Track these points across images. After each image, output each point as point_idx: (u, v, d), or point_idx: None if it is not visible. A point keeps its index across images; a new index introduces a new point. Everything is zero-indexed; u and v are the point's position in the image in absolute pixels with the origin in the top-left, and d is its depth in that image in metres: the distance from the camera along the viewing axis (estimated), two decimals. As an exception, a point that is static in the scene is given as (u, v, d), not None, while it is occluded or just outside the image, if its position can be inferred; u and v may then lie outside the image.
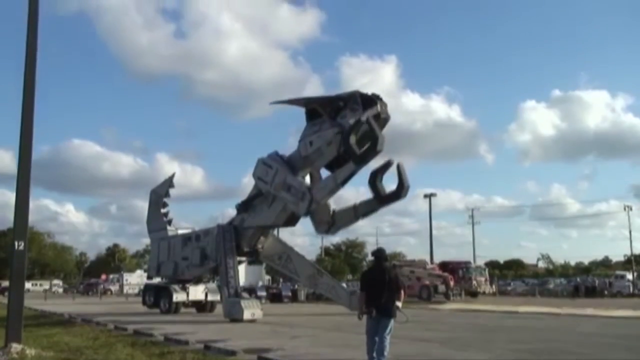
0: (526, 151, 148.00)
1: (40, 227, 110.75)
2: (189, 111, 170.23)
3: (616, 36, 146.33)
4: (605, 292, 51.85)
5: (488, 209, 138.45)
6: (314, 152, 23.70)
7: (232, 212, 27.56)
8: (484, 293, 49.46)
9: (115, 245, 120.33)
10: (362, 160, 22.20)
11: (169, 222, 31.51)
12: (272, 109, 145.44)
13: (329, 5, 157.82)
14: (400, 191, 22.60)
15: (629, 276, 62.18)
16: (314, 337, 17.34)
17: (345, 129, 22.27)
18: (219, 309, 27.15)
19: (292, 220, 25.56)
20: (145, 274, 44.99)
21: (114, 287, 72.46)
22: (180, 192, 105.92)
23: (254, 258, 29.44)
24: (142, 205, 34.58)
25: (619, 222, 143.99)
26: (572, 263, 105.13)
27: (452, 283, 43.97)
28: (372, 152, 21.93)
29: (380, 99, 22.96)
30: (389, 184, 23.20)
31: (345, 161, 22.61)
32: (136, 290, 58.85)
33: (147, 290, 32.42)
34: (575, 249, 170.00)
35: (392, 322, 9.76)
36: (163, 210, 31.68)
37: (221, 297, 26.20)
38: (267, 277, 60.14)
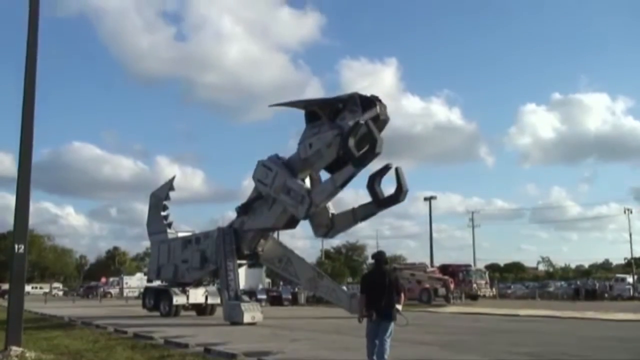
0: (526, 154, 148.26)
1: (41, 230, 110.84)
2: (189, 114, 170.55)
3: (616, 39, 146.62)
4: (606, 295, 51.83)
5: (488, 211, 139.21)
6: (313, 154, 23.69)
7: (232, 214, 27.59)
8: (484, 296, 49.40)
9: (116, 248, 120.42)
10: (361, 162, 22.20)
11: (169, 225, 31.48)
12: (272, 112, 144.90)
13: (329, 9, 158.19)
14: (399, 195, 22.60)
15: (630, 279, 62.03)
16: (314, 340, 17.32)
17: (344, 130, 22.26)
18: (219, 312, 27.13)
19: (292, 223, 25.56)
20: (145, 277, 44.97)
21: (114, 290, 72.48)
22: (180, 195, 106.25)
23: (254, 261, 29.43)
24: (143, 208, 34.64)
25: (619, 225, 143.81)
26: (573, 266, 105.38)
27: (452, 286, 43.88)
28: (371, 154, 21.93)
29: (380, 101, 22.94)
30: (388, 187, 23.23)
31: (345, 163, 22.61)
32: (136, 293, 58.79)
33: (147, 293, 32.39)
34: (576, 251, 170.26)
35: (392, 325, 9.76)
36: (163, 213, 31.66)
37: (221, 300, 26.18)
38: (268, 280, 60.16)
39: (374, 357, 9.63)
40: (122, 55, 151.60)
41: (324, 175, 24.61)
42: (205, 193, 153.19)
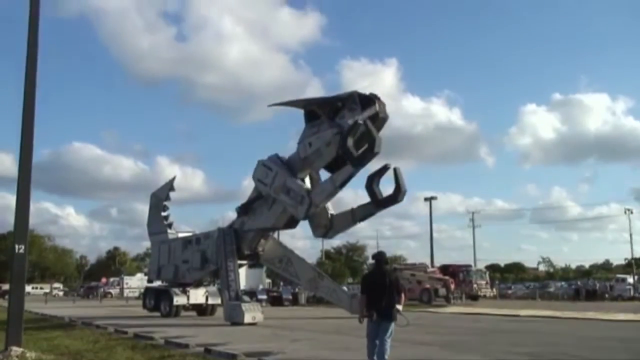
0: (527, 154, 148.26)
1: (41, 230, 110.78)
2: (189, 114, 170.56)
3: (616, 39, 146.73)
4: (606, 296, 51.82)
5: (489, 212, 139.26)
6: (313, 153, 23.70)
7: (232, 215, 27.60)
8: (484, 296, 49.41)
9: (116, 249, 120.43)
10: (360, 162, 22.22)
11: (170, 226, 31.49)
12: (272, 112, 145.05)
13: (329, 9, 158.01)
14: (398, 195, 22.63)
15: (630, 279, 62.05)
16: (314, 341, 17.32)
17: (343, 129, 22.27)
18: (219, 312, 27.13)
19: (292, 223, 25.56)
20: (146, 277, 45.00)
21: (115, 291, 72.47)
22: (180, 195, 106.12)
23: (254, 261, 29.44)
24: (143, 209, 34.69)
25: (619, 225, 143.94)
26: (573, 266, 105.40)
27: (452, 286, 43.89)
28: (370, 154, 21.94)
29: (379, 99, 22.93)
30: (387, 187, 23.25)
31: (344, 162, 22.63)
32: (137, 294, 58.80)
33: (147, 293, 32.40)
34: (576, 252, 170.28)
35: (392, 326, 9.76)
36: (163, 214, 31.67)
37: (222, 300, 26.19)
38: (268, 281, 60.17)
39: (375, 358, 9.63)
40: (123, 56, 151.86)
41: (324, 175, 24.65)
42: (205, 193, 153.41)
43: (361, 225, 26.20)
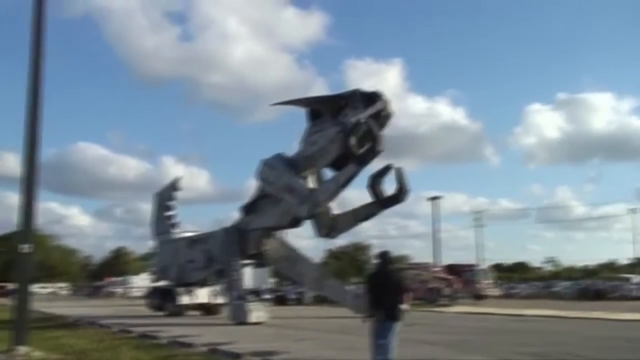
0: (531, 154, 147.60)
1: (46, 230, 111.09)
2: (194, 114, 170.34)
3: (621, 38, 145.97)
4: (612, 295, 51.61)
5: (493, 211, 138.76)
6: (316, 151, 23.70)
7: (237, 214, 27.60)
8: (489, 296, 49.32)
9: (121, 248, 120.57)
10: (363, 161, 22.22)
11: (175, 225, 31.58)
12: (277, 112, 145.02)
13: (334, 8, 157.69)
14: (400, 195, 22.58)
15: (636, 279, 61.81)
16: (319, 340, 17.34)
17: (347, 127, 22.25)
18: (224, 311, 27.17)
19: (296, 222, 25.52)
20: (151, 277, 45.07)
21: (120, 290, 72.59)
22: (185, 195, 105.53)
23: (259, 260, 29.45)
24: (148, 208, 34.72)
25: (625, 225, 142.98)
26: (578, 266, 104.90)
27: (457, 286, 43.85)
28: (373, 152, 21.93)
29: (382, 96, 22.90)
30: (389, 188, 23.21)
31: (348, 160, 22.62)
32: (142, 293, 58.90)
33: (152, 293, 32.51)
34: (581, 251, 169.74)
35: (397, 325, 9.74)
36: (168, 213, 31.76)
37: (227, 299, 26.23)
38: (273, 280, 60.12)
39: (379, 357, 9.62)
40: (127, 56, 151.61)
41: (328, 174, 24.65)
42: (210, 193, 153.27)
43: (366, 225, 26.27)
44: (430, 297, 42.85)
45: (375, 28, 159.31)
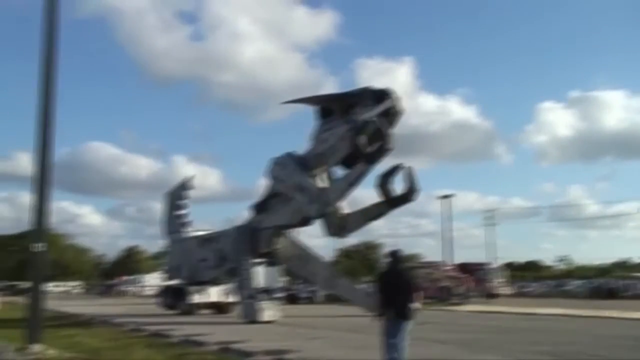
0: (544, 152, 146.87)
1: (60, 229, 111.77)
2: (205, 114, 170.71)
3: (634, 36, 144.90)
4: (625, 294, 51.31)
5: (505, 210, 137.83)
6: (327, 149, 23.69)
7: (248, 213, 27.63)
8: (502, 295, 49.17)
9: (133, 247, 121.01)
10: (373, 159, 22.20)
11: (187, 224, 31.68)
12: (288, 111, 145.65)
13: (345, 7, 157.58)
14: (410, 194, 22.52)
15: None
16: (331, 339, 17.36)
17: (357, 124, 22.23)
18: (235, 310, 27.24)
19: (307, 221, 25.47)
20: (163, 276, 45.23)
21: (132, 289, 72.93)
22: (197, 194, 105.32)
23: (271, 259, 29.49)
24: (160, 207, 34.79)
25: (638, 223, 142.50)
26: (591, 264, 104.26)
27: (469, 285, 43.74)
28: (382, 150, 21.91)
29: (393, 93, 22.85)
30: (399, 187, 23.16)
31: (358, 158, 22.61)
32: (153, 292, 59.15)
33: (165, 291, 32.64)
34: (594, 250, 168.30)
35: (409, 324, 9.75)
36: (180, 212, 31.87)
37: (239, 298, 26.30)
38: (285, 279, 60.21)
39: (390, 356, 9.63)
40: (139, 56, 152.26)
41: (338, 171, 24.65)
42: (222, 192, 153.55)
43: (377, 223, 26.25)
44: (442, 296, 42.79)
45: (386, 27, 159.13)
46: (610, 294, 50.91)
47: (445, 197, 70.33)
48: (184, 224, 31.65)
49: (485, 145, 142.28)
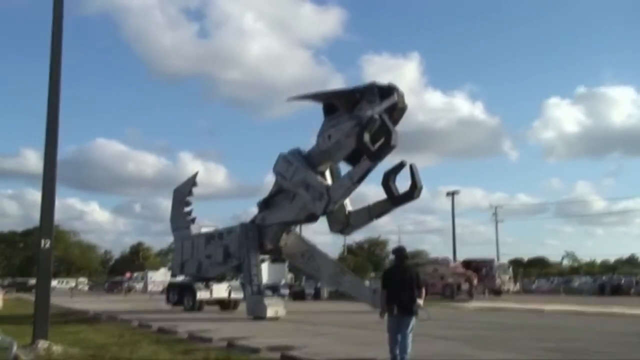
0: (550, 148, 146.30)
1: (66, 226, 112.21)
2: (212, 110, 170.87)
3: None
4: (632, 291, 51.19)
5: (512, 206, 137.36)
6: (332, 145, 23.71)
7: (254, 210, 27.71)
8: (508, 291, 49.11)
9: (140, 244, 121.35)
10: (378, 156, 22.20)
11: (193, 221, 31.72)
12: (294, 108, 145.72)
13: (351, 4, 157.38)
14: (413, 191, 22.53)
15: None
16: (337, 335, 17.38)
17: (362, 121, 22.22)
18: (242, 306, 27.30)
19: (313, 217, 25.46)
20: (169, 272, 45.35)
21: (139, 285, 73.14)
22: (203, 191, 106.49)
23: (276, 256, 29.57)
24: (166, 204, 34.92)
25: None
26: (598, 261, 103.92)
27: (475, 281, 43.70)
28: (387, 147, 21.90)
29: (397, 89, 22.83)
30: (404, 183, 23.18)
31: (363, 155, 22.62)
32: (160, 288, 59.29)
33: (171, 288, 32.70)
34: (601, 246, 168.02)
35: (413, 320, 9.77)
36: (186, 209, 31.92)
37: (244, 295, 26.35)
38: (290, 275, 60.29)
39: (397, 352, 9.66)
40: (145, 53, 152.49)
41: (344, 168, 24.67)
42: (228, 189, 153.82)
43: (383, 220, 26.31)
44: (448, 292, 42.79)
45: (392, 23, 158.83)
46: (616, 290, 50.79)
47: (452, 193, 70.25)
48: (191, 221, 31.69)
49: (491, 141, 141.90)
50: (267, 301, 23.78)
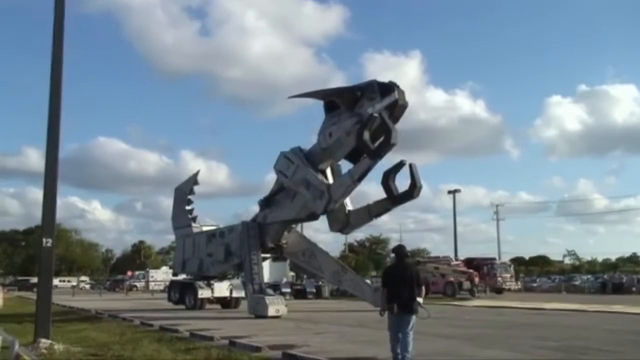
0: (552, 146, 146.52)
1: (68, 224, 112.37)
2: (213, 109, 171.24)
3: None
4: (633, 289, 51.16)
5: (513, 205, 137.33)
6: (333, 143, 23.72)
7: (256, 209, 27.72)
8: (509, 290, 49.04)
9: (141, 242, 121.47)
10: (378, 154, 22.22)
11: (194, 219, 31.74)
12: (296, 106, 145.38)
13: (353, 2, 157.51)
14: (413, 191, 22.54)
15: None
16: (338, 334, 17.37)
17: (363, 118, 22.21)
18: (243, 305, 27.31)
19: (314, 215, 25.50)
20: (171, 271, 45.42)
21: (140, 284, 73.25)
22: (204, 189, 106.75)
23: (278, 254, 29.57)
24: (168, 202, 34.99)
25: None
26: (599, 259, 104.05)
27: (477, 280, 43.67)
28: (387, 145, 21.91)
29: (397, 86, 22.81)
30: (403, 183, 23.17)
31: (363, 152, 22.62)
32: (162, 287, 59.39)
33: (172, 286, 32.73)
34: (602, 245, 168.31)
35: (414, 318, 9.78)
36: (188, 207, 31.92)
37: (246, 293, 26.35)
38: (291, 274, 60.30)
39: (398, 351, 9.66)
40: (147, 51, 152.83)
41: (345, 166, 24.67)
42: (229, 187, 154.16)
43: (384, 219, 26.34)
44: (450, 291, 42.76)
45: (393, 21, 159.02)
46: (617, 288, 50.73)
47: (453, 191, 70.28)
48: (192, 219, 31.70)
49: (493, 139, 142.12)
50: (268, 300, 23.79)
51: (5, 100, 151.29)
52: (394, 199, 22.98)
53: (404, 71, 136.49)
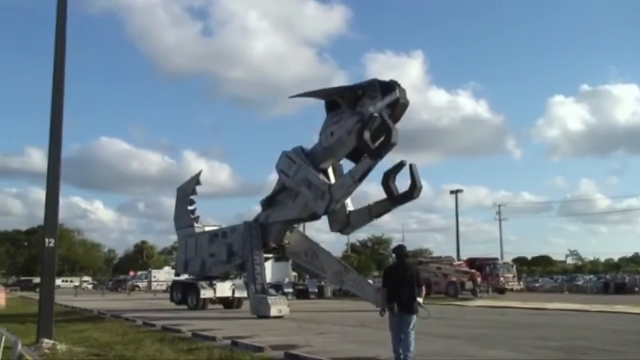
0: (554, 146, 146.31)
1: (70, 225, 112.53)
2: (215, 109, 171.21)
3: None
4: (636, 289, 51.09)
5: (516, 205, 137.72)
6: (335, 142, 23.72)
7: (258, 208, 27.74)
8: (511, 290, 49.03)
9: (144, 242, 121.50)
10: (378, 154, 22.21)
11: (196, 219, 31.76)
12: (298, 106, 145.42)
13: (355, 2, 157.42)
14: (413, 191, 22.51)
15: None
16: (340, 334, 17.38)
17: (364, 117, 22.21)
18: (245, 305, 27.32)
19: (315, 216, 25.53)
20: (173, 271, 45.42)
21: (143, 284, 73.28)
22: (207, 190, 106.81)
23: (280, 254, 29.56)
24: (170, 203, 35.10)
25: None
26: (602, 259, 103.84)
27: (479, 280, 43.64)
28: (387, 145, 21.89)
29: (399, 85, 22.79)
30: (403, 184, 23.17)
31: (364, 152, 22.62)
32: (164, 287, 59.40)
33: (174, 286, 32.76)
34: (605, 245, 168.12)
35: (414, 318, 9.78)
36: (190, 208, 31.94)
37: (248, 293, 26.37)
38: (294, 274, 60.30)
39: (400, 351, 9.66)
40: (149, 51, 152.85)
41: (347, 165, 24.67)
42: (231, 187, 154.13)
43: (387, 219, 26.34)
44: (452, 290, 42.74)
45: (396, 21, 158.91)
46: (620, 289, 50.66)
47: (455, 192, 70.30)
48: (195, 219, 31.72)
49: (495, 139, 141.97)
50: (270, 300, 23.80)
51: (7, 100, 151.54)
52: (394, 200, 22.97)
53: (406, 71, 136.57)
